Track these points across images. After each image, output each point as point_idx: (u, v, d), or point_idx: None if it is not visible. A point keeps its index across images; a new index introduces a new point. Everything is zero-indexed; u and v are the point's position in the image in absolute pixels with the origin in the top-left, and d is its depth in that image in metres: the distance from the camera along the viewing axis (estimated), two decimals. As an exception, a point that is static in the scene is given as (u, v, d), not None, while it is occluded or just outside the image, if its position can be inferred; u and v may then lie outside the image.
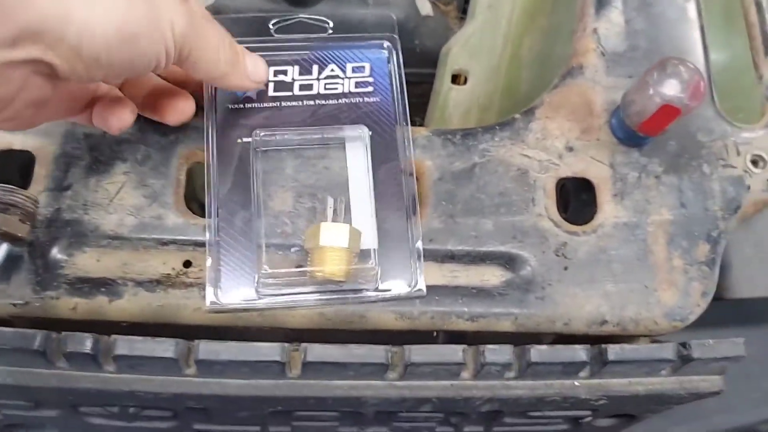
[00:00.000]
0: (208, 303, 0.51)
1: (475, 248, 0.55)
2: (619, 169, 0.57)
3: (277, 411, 0.55)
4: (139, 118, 0.56)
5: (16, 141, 0.56)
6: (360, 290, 0.52)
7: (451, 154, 0.57)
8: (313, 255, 0.51)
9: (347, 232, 0.51)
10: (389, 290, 0.53)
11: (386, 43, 0.59)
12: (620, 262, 0.55)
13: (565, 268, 0.55)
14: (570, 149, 0.57)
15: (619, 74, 0.59)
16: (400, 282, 0.53)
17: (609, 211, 0.56)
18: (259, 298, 0.52)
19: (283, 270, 0.52)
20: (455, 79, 0.70)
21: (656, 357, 0.52)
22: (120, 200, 0.55)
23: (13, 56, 0.36)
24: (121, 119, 0.50)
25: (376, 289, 0.53)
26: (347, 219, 0.54)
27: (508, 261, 0.55)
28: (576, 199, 0.62)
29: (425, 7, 0.71)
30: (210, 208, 0.54)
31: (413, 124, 0.59)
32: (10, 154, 0.57)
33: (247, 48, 0.54)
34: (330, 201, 0.53)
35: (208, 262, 0.52)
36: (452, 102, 0.69)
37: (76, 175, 0.55)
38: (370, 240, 0.53)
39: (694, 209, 0.56)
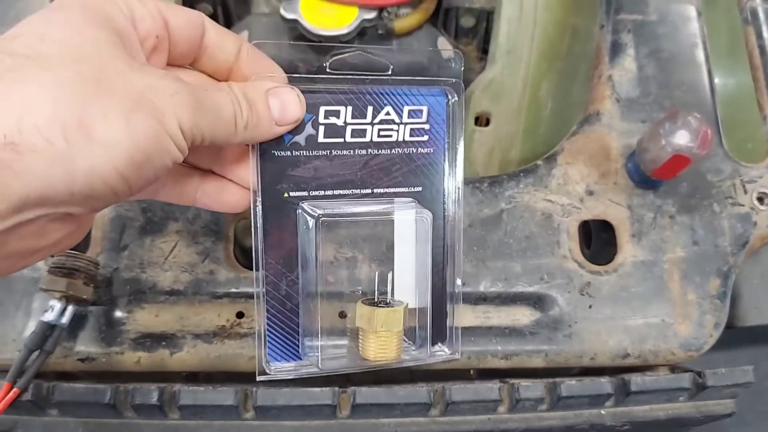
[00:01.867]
0: (257, 374, 0.52)
1: (506, 290, 0.61)
2: (637, 210, 0.63)
3: (329, 448, 0.61)
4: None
5: (73, 205, 0.61)
6: (405, 353, 0.53)
7: (479, 201, 0.63)
8: (366, 337, 0.52)
9: (401, 316, 0.51)
10: (432, 354, 0.54)
11: (448, 88, 0.55)
12: (639, 299, 0.61)
13: (590, 306, 0.61)
14: (590, 193, 0.63)
15: (633, 119, 0.65)
16: (440, 347, 0.55)
17: (628, 250, 0.62)
18: (304, 368, 0.53)
19: (331, 342, 0.53)
20: (478, 120, 0.76)
21: (674, 386, 0.59)
22: (174, 258, 0.60)
23: (16, 221, 0.34)
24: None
25: (421, 351, 0.53)
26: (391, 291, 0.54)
27: (536, 301, 0.61)
28: (597, 238, 0.68)
29: (447, 51, 0.76)
30: (257, 271, 0.52)
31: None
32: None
33: (294, 83, 0.50)
34: (377, 276, 0.53)
35: (256, 329, 0.52)
36: (476, 143, 0.75)
37: (131, 235, 0.61)
38: (413, 301, 0.53)
39: (705, 246, 0.63)
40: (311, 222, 0.52)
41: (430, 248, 0.54)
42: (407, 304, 0.53)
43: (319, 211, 0.53)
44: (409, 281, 0.54)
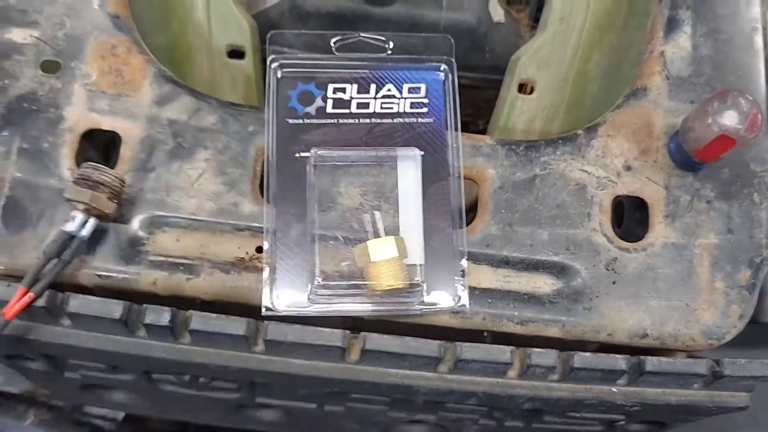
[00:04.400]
0: (263, 309, 0.59)
1: (530, 256, 0.62)
2: (673, 191, 0.64)
3: (334, 392, 0.64)
4: (218, 109, 0.64)
5: (104, 122, 0.63)
6: (406, 303, 0.60)
7: (513, 164, 0.64)
8: (368, 271, 0.58)
9: (394, 243, 0.58)
10: (434, 304, 0.60)
11: (443, 66, 0.65)
12: (665, 281, 0.62)
13: (614, 282, 0.62)
14: (628, 168, 0.64)
15: (681, 99, 0.66)
16: (445, 297, 0.60)
17: (660, 231, 0.63)
18: (311, 306, 0.59)
19: (334, 282, 0.59)
20: (522, 88, 0.77)
21: (690, 371, 0.60)
22: (200, 185, 0.62)
23: None
24: None
25: (422, 303, 0.60)
26: (394, 232, 0.60)
27: (560, 271, 0.63)
28: (630, 216, 0.69)
29: (498, 14, 0.77)
30: (268, 218, 0.60)
31: (477, 128, 0.66)
32: (95, 133, 0.64)
33: (308, 64, 0.61)
34: (367, 218, 0.61)
35: (265, 269, 0.59)
36: (517, 111, 0.76)
37: (160, 158, 0.63)
38: (417, 256, 0.60)
39: (740, 236, 0.63)
40: (311, 161, 0.61)
41: (419, 193, 0.61)
42: (400, 235, 0.60)
43: (318, 150, 0.61)
44: (413, 225, 0.61)
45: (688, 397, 0.62)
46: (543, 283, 0.63)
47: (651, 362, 0.60)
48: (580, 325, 0.62)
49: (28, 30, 0.64)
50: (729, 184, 0.65)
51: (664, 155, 0.65)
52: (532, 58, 0.75)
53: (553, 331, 0.62)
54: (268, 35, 0.64)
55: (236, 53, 0.78)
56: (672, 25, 0.67)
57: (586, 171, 0.64)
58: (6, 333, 0.59)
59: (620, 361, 0.60)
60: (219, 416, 0.79)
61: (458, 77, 0.65)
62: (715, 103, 0.59)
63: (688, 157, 0.63)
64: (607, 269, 0.62)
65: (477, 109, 0.84)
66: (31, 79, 0.63)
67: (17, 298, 0.57)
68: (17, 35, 0.64)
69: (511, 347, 0.60)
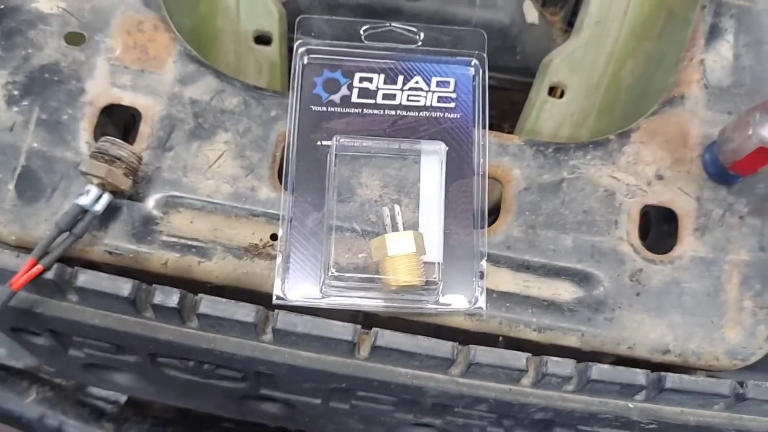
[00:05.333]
0: (274, 297, 0.58)
1: (552, 262, 0.61)
2: (705, 204, 0.62)
3: (341, 388, 0.62)
4: (242, 92, 0.63)
5: (125, 97, 0.63)
6: (420, 301, 0.59)
7: (540, 165, 0.63)
8: (384, 265, 0.57)
9: (412, 238, 0.56)
10: (449, 305, 0.59)
11: (474, 61, 0.64)
12: (691, 296, 0.61)
13: (637, 294, 0.60)
14: (660, 177, 0.63)
15: (720, 109, 0.64)
16: (461, 298, 0.59)
17: (688, 244, 0.62)
18: (323, 298, 0.58)
19: (348, 275, 0.58)
20: (552, 91, 0.75)
21: (712, 391, 0.58)
22: (218, 168, 0.62)
23: None
24: None
25: (437, 302, 0.59)
26: (412, 228, 0.59)
27: (582, 279, 0.61)
28: (656, 228, 0.68)
29: (532, 15, 0.76)
30: (285, 206, 0.60)
31: (502, 131, 0.65)
32: (115, 110, 0.64)
33: (335, 51, 0.61)
34: (386, 211, 0.59)
35: (278, 258, 0.59)
36: (546, 114, 0.74)
37: (179, 138, 0.62)
38: (435, 254, 0.59)
39: (773, 254, 0.61)
40: (333, 149, 0.60)
41: (441, 189, 0.60)
42: (419, 230, 0.58)
43: (341, 138, 0.60)
44: (433, 222, 0.60)
45: (707, 418, 0.60)
46: (564, 291, 0.61)
47: (672, 379, 0.58)
48: (599, 336, 0.60)
49: (55, 0, 0.64)
50: (764, 199, 0.63)
51: (697, 166, 0.63)
52: (564, 61, 0.74)
53: (571, 341, 0.60)
54: (297, 20, 0.63)
55: (263, 39, 0.77)
56: (714, 33, 0.66)
57: (616, 177, 0.62)
58: (12, 305, 0.58)
59: (639, 376, 0.58)
60: (221, 406, 0.78)
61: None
62: (758, 114, 0.57)
63: (723, 170, 0.61)
64: (631, 280, 0.61)
65: (502, 111, 0.83)
66: (55, 49, 0.63)
67: (26, 269, 0.57)
68: (44, 5, 0.64)
69: (527, 354, 0.58)
